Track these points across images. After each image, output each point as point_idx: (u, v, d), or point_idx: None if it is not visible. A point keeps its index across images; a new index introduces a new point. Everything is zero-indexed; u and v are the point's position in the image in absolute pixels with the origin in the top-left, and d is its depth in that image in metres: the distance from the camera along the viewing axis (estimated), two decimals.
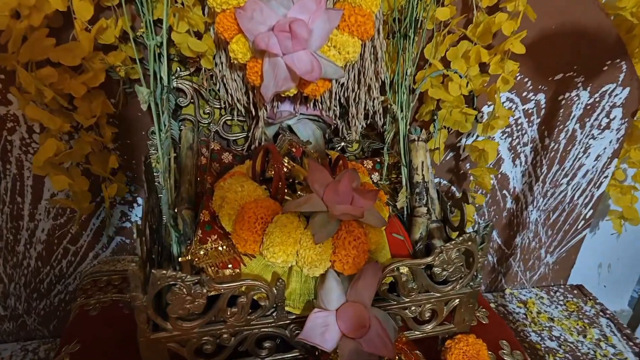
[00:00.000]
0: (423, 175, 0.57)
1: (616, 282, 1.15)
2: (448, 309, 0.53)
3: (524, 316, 0.91)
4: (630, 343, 0.87)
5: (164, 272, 0.42)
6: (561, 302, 0.96)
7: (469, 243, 0.49)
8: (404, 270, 0.49)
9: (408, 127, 0.60)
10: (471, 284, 0.53)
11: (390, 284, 0.51)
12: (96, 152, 0.62)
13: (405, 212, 0.58)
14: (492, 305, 0.96)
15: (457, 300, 0.53)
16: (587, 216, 0.93)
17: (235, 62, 0.47)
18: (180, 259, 0.47)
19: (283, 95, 0.50)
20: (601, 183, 0.89)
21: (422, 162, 0.57)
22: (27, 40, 0.52)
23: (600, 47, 0.74)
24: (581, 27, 0.71)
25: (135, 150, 0.67)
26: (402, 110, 0.59)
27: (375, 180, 0.61)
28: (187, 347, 0.46)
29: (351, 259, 0.45)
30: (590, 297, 0.97)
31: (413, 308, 0.51)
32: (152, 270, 0.42)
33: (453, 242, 0.49)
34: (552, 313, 0.92)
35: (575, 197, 0.90)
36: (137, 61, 0.53)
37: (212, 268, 0.47)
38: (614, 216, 0.94)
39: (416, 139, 0.58)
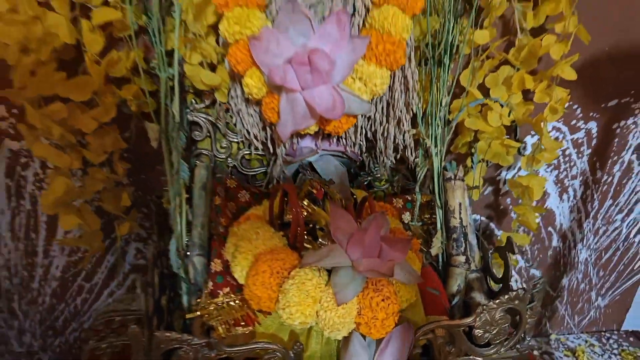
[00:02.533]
0: (461, 218, 0.51)
1: None
2: None
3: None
4: None
5: (168, 334, 0.38)
6: (615, 351, 0.85)
7: (517, 302, 0.43)
8: (440, 332, 0.43)
9: (443, 163, 0.54)
10: (518, 346, 0.46)
11: (423, 347, 0.44)
12: (108, 189, 0.59)
13: (441, 260, 0.52)
14: (535, 352, 0.87)
15: None
16: None
17: (249, 96, 0.43)
18: (188, 316, 0.43)
19: (303, 133, 0.46)
20: None
21: (460, 204, 0.51)
22: (35, 75, 0.50)
23: None
24: (639, 47, 0.64)
25: (150, 186, 0.64)
26: (436, 145, 0.53)
27: (406, 222, 0.55)
28: None
29: (379, 322, 0.39)
30: None
31: None
32: (155, 333, 0.37)
33: (498, 301, 0.42)
34: None
35: (632, 235, 0.80)
36: (146, 94, 0.49)
37: (224, 326, 0.42)
38: None
39: (452, 177, 0.52)
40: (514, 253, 0.46)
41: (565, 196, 0.75)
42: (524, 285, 0.74)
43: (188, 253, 0.48)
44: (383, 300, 0.39)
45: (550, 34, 0.55)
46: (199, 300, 0.45)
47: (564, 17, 0.54)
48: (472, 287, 0.50)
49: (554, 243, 0.79)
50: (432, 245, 0.51)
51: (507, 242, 0.47)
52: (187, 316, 0.43)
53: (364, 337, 0.41)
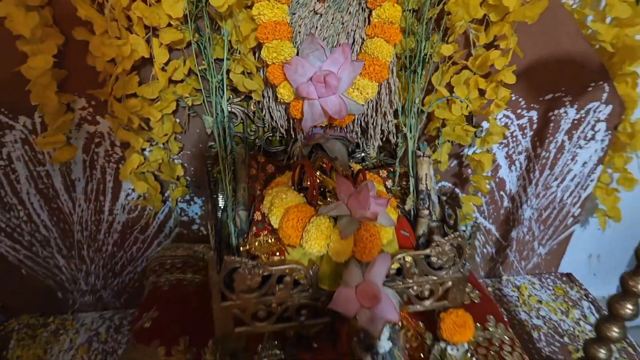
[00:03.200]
0: (426, 184, 0.72)
1: (605, 271, 1.28)
2: (443, 289, 0.68)
3: (517, 299, 1.05)
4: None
5: (233, 258, 0.58)
6: (550, 288, 1.10)
7: (459, 239, 0.64)
8: (408, 259, 0.64)
9: (415, 144, 0.74)
10: (461, 270, 0.67)
11: (397, 270, 0.66)
12: (166, 163, 0.78)
13: (412, 213, 0.73)
14: (489, 289, 1.10)
15: (450, 282, 0.67)
16: (575, 214, 1.06)
17: (281, 100, 0.62)
18: (241, 249, 0.63)
19: (316, 125, 0.65)
20: (588, 185, 1.02)
21: (426, 174, 0.72)
22: (119, 80, 0.68)
23: (585, 72, 0.86)
24: (569, 55, 0.83)
25: (194, 160, 0.83)
26: (410, 131, 0.73)
27: (389, 187, 0.76)
28: (246, 312, 0.62)
29: (367, 250, 0.60)
30: (577, 284, 1.11)
31: (415, 288, 0.66)
32: (225, 257, 0.58)
33: (447, 238, 0.64)
34: (541, 296, 1.06)
35: (565, 198, 1.03)
36: (208, 93, 0.68)
37: (265, 255, 0.63)
38: (600, 214, 1.06)
39: (422, 155, 0.72)
40: (460, 207, 0.67)
41: (513, 167, 0.96)
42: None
43: (235, 209, 0.68)
44: (370, 236, 0.60)
45: (497, 49, 0.75)
46: (245, 239, 0.65)
47: (507, 36, 0.73)
48: (433, 232, 0.71)
49: (505, 204, 1.01)
50: (406, 204, 0.72)
51: (455, 200, 0.67)
52: (241, 249, 0.63)
53: (358, 261, 0.62)
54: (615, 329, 0.61)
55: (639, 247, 0.54)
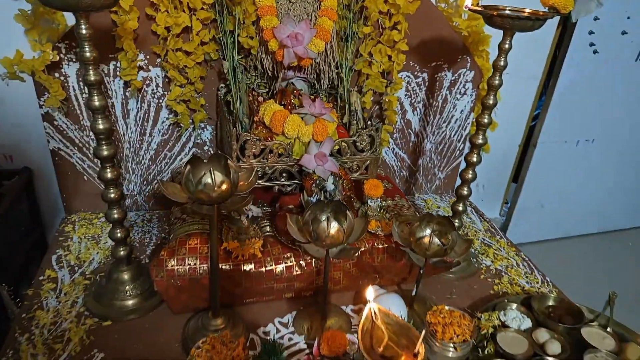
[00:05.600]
0: (356, 107, 1.21)
1: (489, 197, 1.82)
2: (364, 165, 1.16)
3: (424, 207, 1.56)
4: (480, 218, 1.53)
5: (245, 133, 1.04)
6: (447, 201, 1.61)
7: (372, 131, 1.13)
8: (343, 144, 1.12)
9: (348, 84, 1.23)
10: (374, 153, 1.16)
11: (337, 150, 1.13)
12: (193, 95, 1.23)
13: (348, 124, 1.21)
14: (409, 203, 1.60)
15: (369, 161, 1.16)
16: (461, 148, 1.58)
17: (271, 50, 1.09)
18: (245, 135, 1.09)
19: (291, 66, 1.12)
20: (466, 127, 1.55)
21: (355, 101, 1.20)
22: (171, 40, 1.13)
23: (454, 49, 1.39)
24: (443, 38, 1.36)
25: (210, 96, 1.28)
26: (345, 76, 1.22)
27: (332, 107, 1.24)
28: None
29: (321, 134, 1.08)
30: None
31: (348, 163, 1.14)
32: (241, 133, 1.03)
33: (364, 130, 1.12)
34: (440, 204, 1.57)
35: (452, 136, 1.55)
36: (223, 50, 1.14)
37: (262, 138, 1.09)
38: None
39: (352, 89, 1.21)
40: (372, 124, 1.16)
41: (415, 112, 1.47)
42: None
43: (242, 117, 1.14)
44: (322, 126, 1.08)
45: (395, 30, 1.26)
46: (248, 131, 1.11)
47: (401, 22, 1.24)
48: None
49: (412, 139, 1.52)
50: (343, 118, 1.21)
51: (370, 119, 1.16)
52: (245, 136, 1.08)
53: (315, 140, 1.09)
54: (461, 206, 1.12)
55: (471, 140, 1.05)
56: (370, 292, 0.72)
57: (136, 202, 1.39)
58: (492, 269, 1.29)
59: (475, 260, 1.31)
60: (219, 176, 0.79)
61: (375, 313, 0.70)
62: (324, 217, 0.88)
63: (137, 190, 1.38)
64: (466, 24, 1.34)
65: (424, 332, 0.84)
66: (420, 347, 0.64)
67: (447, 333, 0.92)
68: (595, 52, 1.57)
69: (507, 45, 1.01)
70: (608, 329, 1.06)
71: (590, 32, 1.53)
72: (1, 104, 1.19)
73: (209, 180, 0.78)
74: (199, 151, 1.36)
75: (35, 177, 1.30)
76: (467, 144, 1.57)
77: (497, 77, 1.04)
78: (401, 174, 1.58)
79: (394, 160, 1.54)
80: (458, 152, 1.59)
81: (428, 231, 0.98)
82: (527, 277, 1.27)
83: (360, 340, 0.66)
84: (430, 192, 1.65)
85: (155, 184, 1.38)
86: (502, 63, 1.03)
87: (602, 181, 1.92)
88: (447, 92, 1.47)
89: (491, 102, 1.06)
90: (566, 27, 1.53)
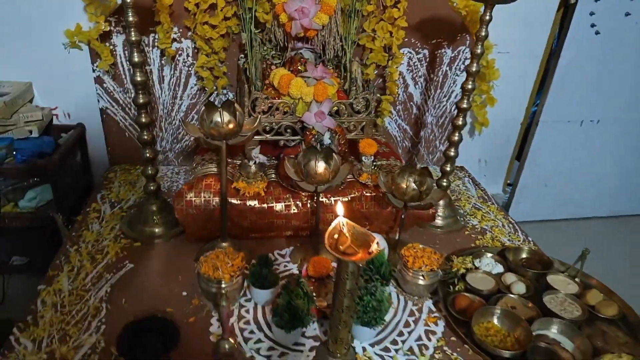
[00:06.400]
0: (356, 75, 1.37)
1: (492, 173, 1.92)
2: (360, 125, 1.32)
3: None
4: (476, 187, 1.64)
5: (256, 92, 1.23)
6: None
7: (367, 95, 1.28)
8: (342, 106, 1.28)
9: (351, 55, 1.39)
10: (370, 115, 1.31)
11: (336, 111, 1.30)
12: (217, 64, 1.43)
13: (349, 90, 1.38)
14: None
15: (364, 122, 1.31)
16: (460, 122, 1.70)
17: (283, 23, 1.27)
18: (255, 93, 1.28)
19: (299, 37, 1.30)
20: None
21: (355, 69, 1.36)
22: (199, 14, 1.33)
23: (454, 27, 1.52)
24: (443, 16, 1.49)
25: (232, 67, 1.47)
26: (349, 48, 1.38)
27: (337, 76, 1.41)
28: (261, 127, 1.25)
29: (321, 95, 1.24)
30: (465, 171, 1.75)
31: (346, 123, 1.30)
32: (250, 91, 1.22)
33: (361, 93, 1.28)
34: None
35: (453, 110, 1.67)
36: (243, 24, 1.34)
37: (270, 97, 1.27)
38: (477, 122, 1.71)
39: (353, 59, 1.37)
40: (372, 93, 1.31)
41: (417, 86, 1.61)
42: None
43: (257, 79, 1.33)
44: (323, 89, 1.25)
45: (396, 8, 1.40)
46: (259, 90, 1.30)
47: (402, 2, 1.39)
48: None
49: (414, 111, 1.66)
50: (345, 85, 1.37)
51: (370, 86, 1.32)
52: (255, 94, 1.27)
53: (316, 101, 1.26)
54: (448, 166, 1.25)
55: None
56: (339, 207, 0.88)
57: (167, 158, 1.62)
58: (477, 227, 1.41)
59: (462, 219, 1.43)
60: (226, 116, 0.98)
61: (343, 224, 0.86)
62: (314, 159, 1.06)
63: (168, 147, 1.60)
64: (464, 4, 1.46)
65: (379, 236, 1.00)
66: (374, 246, 0.80)
67: (417, 263, 1.06)
68: (597, 32, 1.64)
69: (487, 17, 1.14)
70: (576, 279, 1.17)
71: (592, 13, 1.60)
72: (64, 69, 1.44)
73: (219, 119, 0.98)
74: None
75: (87, 132, 1.55)
76: (468, 118, 1.69)
77: (480, 46, 1.17)
78: (404, 144, 1.72)
79: (397, 131, 1.69)
80: None
81: (407, 178, 1.12)
82: (510, 235, 1.38)
83: (326, 239, 0.82)
84: (432, 163, 1.77)
85: (185, 142, 1.60)
86: (483, 33, 1.15)
87: (610, 164, 1.97)
88: (447, 68, 1.59)
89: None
90: (567, 8, 1.61)
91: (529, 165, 1.90)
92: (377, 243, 0.79)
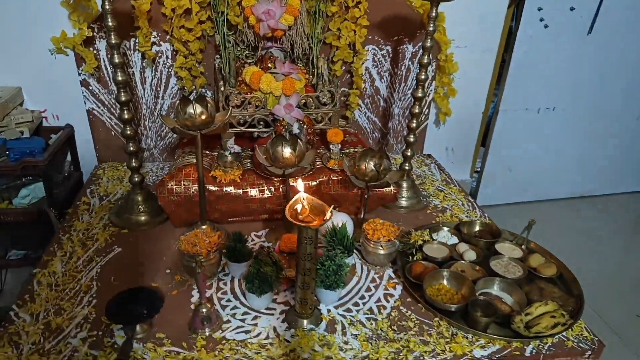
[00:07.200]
0: (322, 71, 1.49)
1: (459, 160, 2.05)
2: (327, 115, 1.44)
3: (393, 161, 1.81)
4: (441, 172, 1.77)
5: (229, 89, 1.35)
6: (416, 160, 1.86)
7: (332, 88, 1.41)
8: (309, 98, 1.41)
9: (318, 53, 1.51)
10: (335, 107, 1.44)
11: (304, 104, 1.42)
12: (194, 65, 1.55)
13: (316, 84, 1.50)
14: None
15: (331, 113, 1.44)
16: (426, 113, 1.83)
17: (252, 24, 1.39)
18: (229, 89, 1.39)
19: (267, 37, 1.42)
20: (429, 93, 1.79)
21: (322, 65, 1.49)
22: (176, 18, 1.45)
23: (413, 24, 1.65)
24: (403, 15, 1.62)
25: (208, 67, 1.59)
26: (315, 46, 1.50)
27: (305, 72, 1.53)
28: (235, 120, 1.37)
29: (289, 89, 1.36)
30: (432, 158, 1.88)
31: (313, 115, 1.42)
32: (226, 88, 1.34)
33: (327, 88, 1.40)
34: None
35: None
36: (216, 27, 1.45)
37: (243, 92, 1.39)
38: (440, 112, 1.84)
39: (320, 57, 1.49)
40: (336, 88, 1.44)
41: (382, 80, 1.74)
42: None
43: (230, 77, 1.45)
44: (290, 82, 1.37)
45: (357, 8, 1.53)
46: (232, 87, 1.41)
47: (362, 3, 1.52)
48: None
49: (382, 104, 1.79)
50: (312, 81, 1.49)
51: (334, 83, 1.44)
52: (229, 89, 1.39)
53: (284, 94, 1.38)
54: (409, 151, 1.38)
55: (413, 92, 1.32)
56: (299, 183, 1.00)
57: (152, 155, 1.73)
58: (439, 206, 1.54)
59: (425, 200, 1.56)
60: (199, 108, 1.10)
61: (303, 198, 0.98)
62: (280, 145, 1.18)
63: (152, 144, 1.71)
64: (420, 3, 1.60)
65: (345, 215, 1.12)
66: (328, 214, 0.92)
67: (376, 235, 1.19)
68: (546, 26, 1.78)
69: (433, 14, 1.27)
70: (522, 247, 1.30)
71: (539, 9, 1.74)
72: (51, 73, 1.54)
73: (192, 111, 1.09)
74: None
75: (75, 132, 1.65)
76: (433, 109, 1.83)
77: (429, 40, 1.30)
78: (374, 135, 1.85)
79: (367, 123, 1.81)
80: (423, 116, 1.84)
81: (367, 161, 1.25)
82: (468, 213, 1.51)
83: (287, 210, 0.94)
84: (400, 151, 1.90)
85: (168, 139, 1.71)
86: (431, 28, 1.29)
87: (567, 147, 2.11)
88: (410, 63, 1.72)
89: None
90: (518, 4, 1.75)
91: (492, 152, 2.04)
92: (331, 212, 0.91)
